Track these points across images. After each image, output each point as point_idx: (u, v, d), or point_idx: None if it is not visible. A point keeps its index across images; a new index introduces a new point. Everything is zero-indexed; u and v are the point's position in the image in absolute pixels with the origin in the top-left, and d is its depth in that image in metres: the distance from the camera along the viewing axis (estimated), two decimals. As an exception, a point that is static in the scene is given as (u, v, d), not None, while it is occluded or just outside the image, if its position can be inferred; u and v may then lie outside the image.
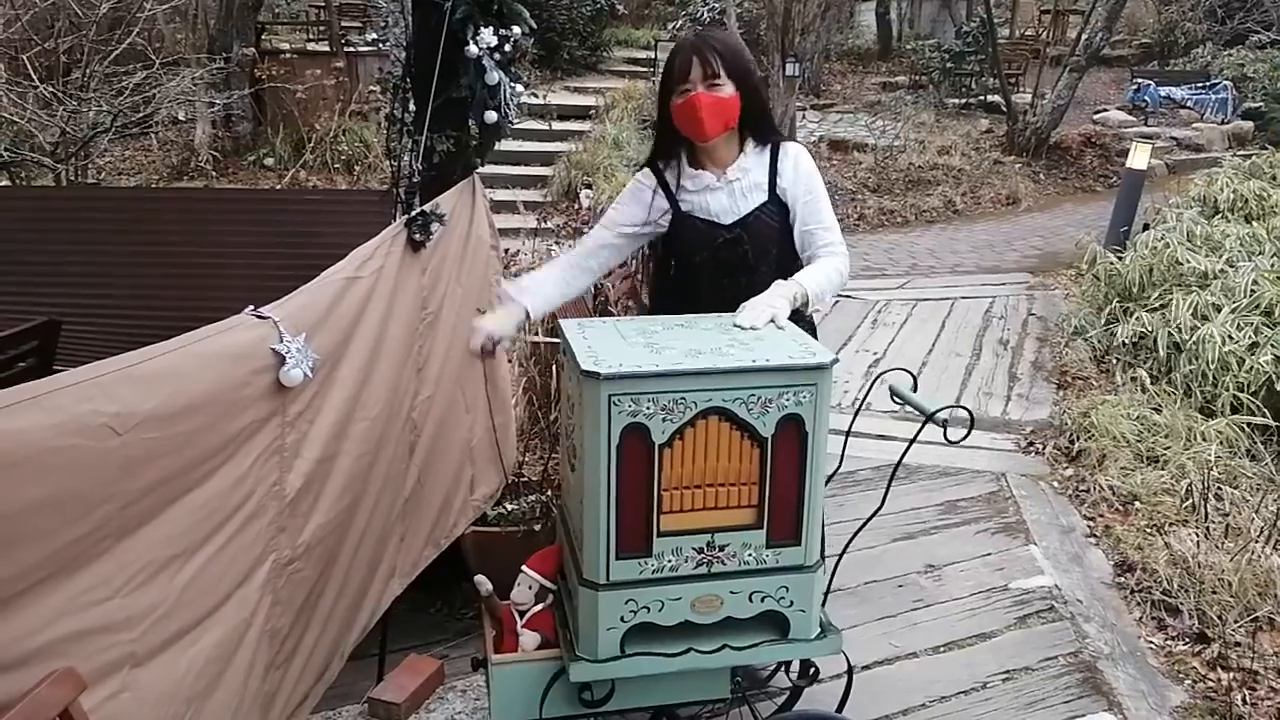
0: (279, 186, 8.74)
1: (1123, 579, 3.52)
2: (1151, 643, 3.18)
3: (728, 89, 2.28)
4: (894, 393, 2.43)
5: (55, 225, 3.56)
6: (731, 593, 1.99)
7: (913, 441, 2.37)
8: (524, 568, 2.22)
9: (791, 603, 2.02)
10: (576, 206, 9.11)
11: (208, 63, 8.76)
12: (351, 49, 10.82)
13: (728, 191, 2.39)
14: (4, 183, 6.83)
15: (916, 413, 2.29)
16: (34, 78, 6.48)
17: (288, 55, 10.44)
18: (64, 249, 3.45)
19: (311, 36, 12.44)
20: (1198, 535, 3.53)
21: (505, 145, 3.00)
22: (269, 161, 9.82)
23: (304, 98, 9.57)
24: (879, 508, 2.40)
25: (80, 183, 6.62)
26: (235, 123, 10.33)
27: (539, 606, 2.19)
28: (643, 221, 2.46)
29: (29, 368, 3.00)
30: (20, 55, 6.63)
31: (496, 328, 2.31)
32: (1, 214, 3.76)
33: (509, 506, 3.18)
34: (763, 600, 2.01)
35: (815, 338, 2.48)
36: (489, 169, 2.91)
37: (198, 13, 9.91)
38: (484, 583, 2.22)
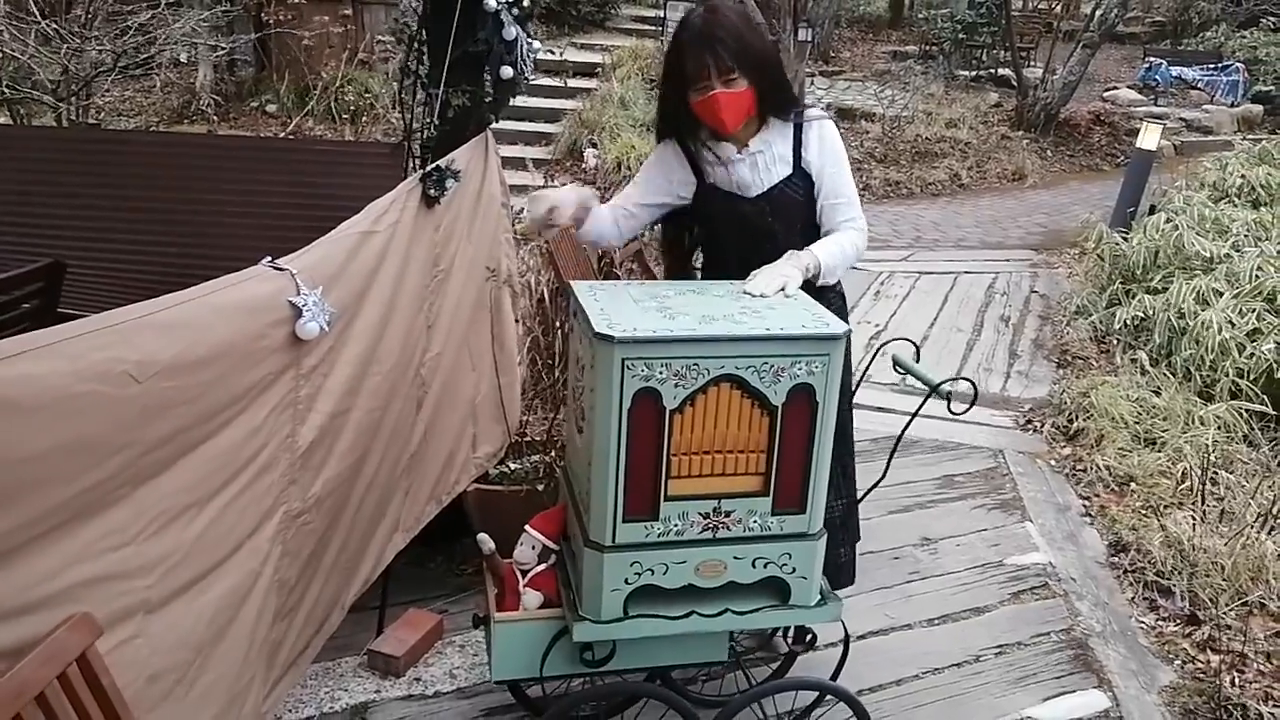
0: (283, 135, 8.65)
1: (1116, 559, 3.56)
2: (1143, 623, 3.22)
3: (742, 83, 2.27)
4: (897, 363, 2.44)
5: (59, 166, 3.52)
6: (735, 558, 2.01)
7: (914, 415, 2.39)
8: (528, 528, 2.23)
9: (794, 569, 2.05)
10: (582, 166, 9.04)
11: (212, 5, 8.62)
12: (359, -2, 10.65)
13: (749, 164, 2.38)
14: (4, 120, 6.75)
15: (919, 385, 2.30)
16: (35, 13, 6.38)
17: (295, 1, 10.27)
18: (68, 191, 3.41)
19: (321, -17, 12.23)
20: (1193, 518, 3.56)
21: (512, 101, 2.96)
22: (271, 108, 9.71)
23: (310, 45, 9.43)
24: (879, 480, 2.42)
25: (82, 123, 6.54)
26: (238, 67, 10.20)
27: (541, 566, 2.21)
28: (665, 192, 2.46)
29: (34, 309, 2.99)
30: (21, -11, 6.53)
31: (559, 197, 2.31)
32: (5, 153, 3.72)
33: (512, 465, 3.19)
34: (765, 566, 2.03)
35: (845, 309, 2.50)
36: (494, 124, 2.90)
37: (205, -47, 9.73)
38: (486, 541, 2.24)
